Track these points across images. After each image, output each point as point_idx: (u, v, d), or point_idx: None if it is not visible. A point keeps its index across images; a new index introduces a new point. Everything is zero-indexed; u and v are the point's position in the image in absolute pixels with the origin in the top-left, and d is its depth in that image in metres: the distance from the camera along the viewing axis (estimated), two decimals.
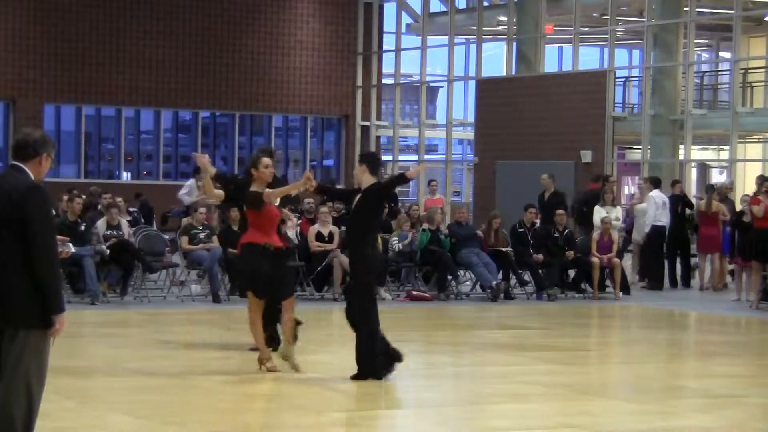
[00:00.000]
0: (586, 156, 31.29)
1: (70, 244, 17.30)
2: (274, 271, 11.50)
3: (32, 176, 6.88)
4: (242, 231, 12.36)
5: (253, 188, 11.68)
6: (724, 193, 23.14)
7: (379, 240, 19.72)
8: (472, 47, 37.68)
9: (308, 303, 17.99)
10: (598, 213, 21.56)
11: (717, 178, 36.93)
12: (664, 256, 22.81)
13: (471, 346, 14.73)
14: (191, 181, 27.28)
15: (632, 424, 9.86)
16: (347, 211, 19.05)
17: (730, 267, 22.26)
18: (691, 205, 23.46)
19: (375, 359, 11.17)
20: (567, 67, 39.28)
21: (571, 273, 21.31)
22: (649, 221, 22.48)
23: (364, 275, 11.29)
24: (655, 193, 22.66)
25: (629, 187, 36.19)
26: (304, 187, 11.86)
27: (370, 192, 11.39)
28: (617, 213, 21.98)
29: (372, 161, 11.64)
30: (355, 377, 11.21)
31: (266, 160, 11.80)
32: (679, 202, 23.01)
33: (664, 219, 22.52)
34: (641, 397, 11.32)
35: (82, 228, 18.06)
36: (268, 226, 11.63)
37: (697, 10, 32.42)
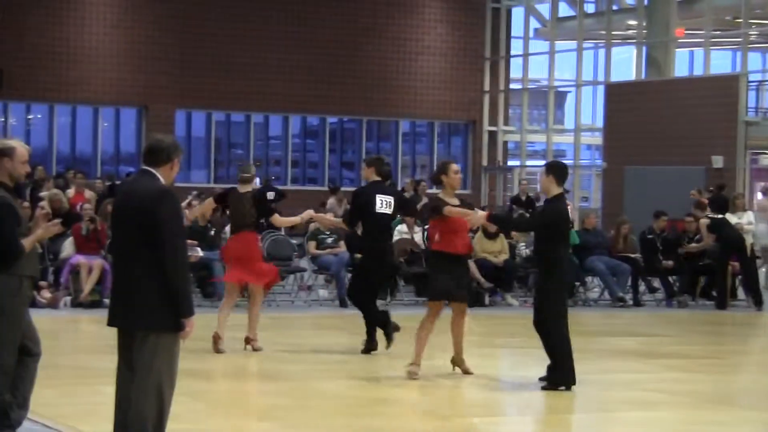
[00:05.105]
0: (718, 161, 30.83)
1: (198, 248, 17.57)
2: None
3: (163, 181, 6.99)
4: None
5: (442, 195, 11.77)
6: None
7: (506, 246, 19.79)
8: (601, 52, 37.36)
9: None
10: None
11: None
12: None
13: (597, 353, 14.58)
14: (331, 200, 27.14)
15: None
16: None
17: None
18: None
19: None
20: (698, 71, 38.69)
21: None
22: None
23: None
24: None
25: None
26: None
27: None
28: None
29: (560, 171, 11.30)
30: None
31: (455, 167, 11.90)
32: None
33: None
34: None
35: (212, 233, 18.32)
36: (455, 234, 11.60)
37: None
